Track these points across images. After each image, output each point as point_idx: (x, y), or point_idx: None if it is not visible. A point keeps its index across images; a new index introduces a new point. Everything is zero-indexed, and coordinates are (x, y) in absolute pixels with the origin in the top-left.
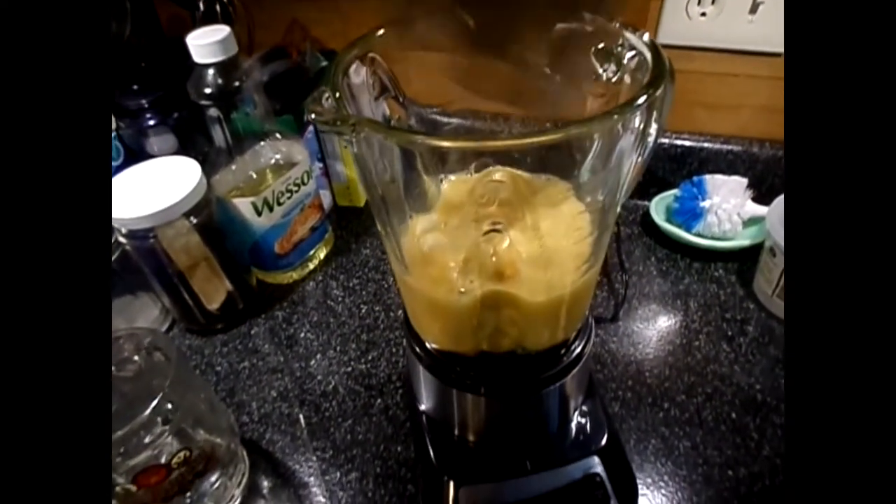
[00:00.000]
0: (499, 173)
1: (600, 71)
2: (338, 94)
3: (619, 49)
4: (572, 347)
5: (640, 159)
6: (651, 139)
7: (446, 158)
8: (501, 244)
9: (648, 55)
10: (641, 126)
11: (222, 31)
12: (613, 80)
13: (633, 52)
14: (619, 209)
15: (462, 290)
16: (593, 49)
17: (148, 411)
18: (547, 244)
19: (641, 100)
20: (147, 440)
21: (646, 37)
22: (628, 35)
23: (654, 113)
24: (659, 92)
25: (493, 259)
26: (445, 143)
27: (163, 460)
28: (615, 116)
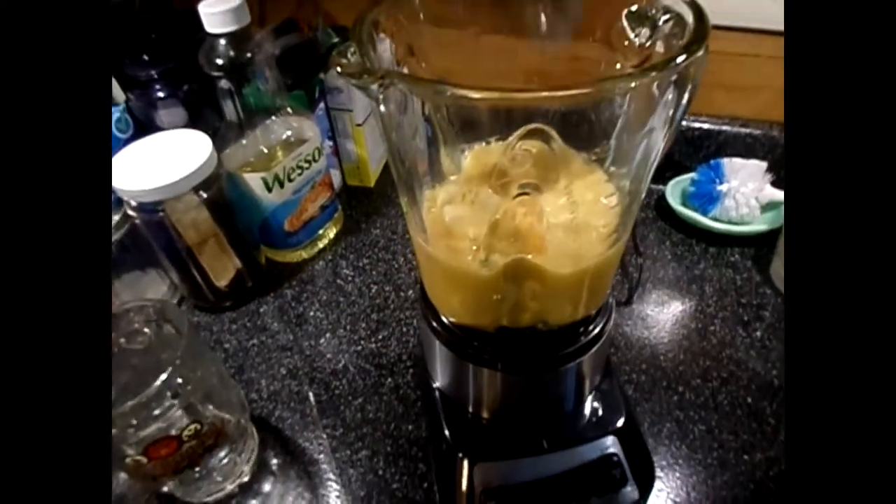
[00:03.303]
0: (537, 128)
1: (632, 36)
2: (363, 49)
3: (654, 12)
4: (592, 326)
5: (669, 130)
6: (682, 108)
7: (470, 120)
8: (530, 210)
9: (689, 15)
10: (675, 94)
11: None
12: (647, 45)
13: (668, 16)
14: (648, 178)
15: (485, 260)
16: (625, 12)
17: (158, 384)
18: (577, 212)
19: (682, 58)
20: (156, 412)
21: None
22: None
23: (688, 81)
24: (701, 52)
25: (520, 226)
26: (473, 95)
27: (174, 433)
28: (654, 73)
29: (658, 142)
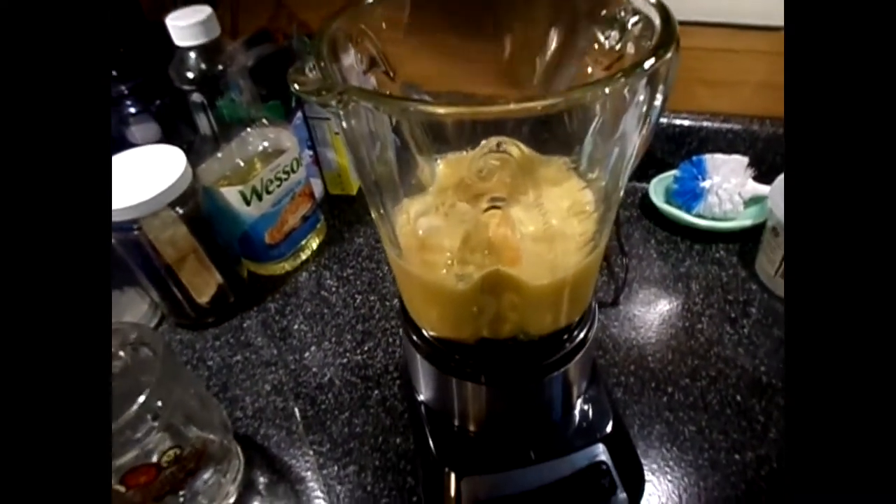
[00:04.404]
0: (501, 143)
1: (602, 39)
2: (322, 64)
3: (622, 14)
4: (575, 333)
5: (644, 131)
6: (654, 112)
7: (439, 134)
8: (503, 221)
9: (656, 17)
10: (647, 94)
11: (204, 11)
12: (617, 47)
13: (636, 18)
14: (624, 182)
15: (460, 273)
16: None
17: (135, 408)
18: (550, 222)
19: (650, 62)
20: (136, 437)
21: None
22: None
23: (660, 82)
24: (669, 55)
25: (494, 238)
26: (440, 111)
27: (154, 459)
28: (622, 80)
29: (632, 144)
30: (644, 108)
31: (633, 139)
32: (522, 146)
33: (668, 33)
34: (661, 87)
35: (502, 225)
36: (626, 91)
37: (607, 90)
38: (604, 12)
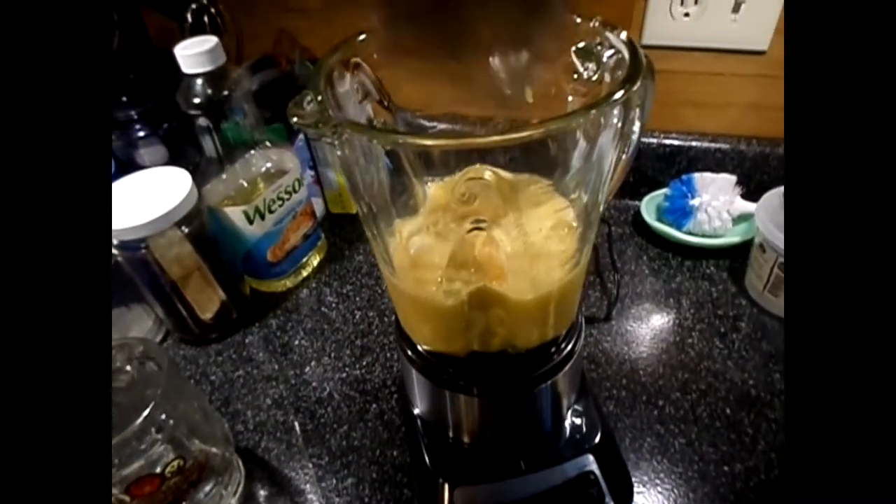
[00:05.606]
0: (481, 171)
1: (581, 69)
2: (320, 98)
3: (599, 48)
4: (563, 345)
5: (623, 156)
6: (634, 137)
7: (431, 160)
8: (488, 241)
9: (626, 53)
10: (621, 122)
11: (210, 41)
12: (594, 78)
13: (611, 51)
14: (603, 205)
15: (449, 290)
16: (574, 48)
17: (140, 420)
18: (531, 241)
19: (618, 95)
20: (141, 448)
21: (623, 35)
22: (607, 34)
23: (636, 110)
24: (636, 87)
25: (478, 257)
26: (428, 143)
27: (158, 470)
28: (593, 112)
29: (609, 165)
30: (621, 132)
31: (611, 161)
32: (501, 172)
33: (635, 67)
34: (636, 113)
35: (487, 244)
36: (601, 119)
37: (581, 121)
38: (582, 44)
